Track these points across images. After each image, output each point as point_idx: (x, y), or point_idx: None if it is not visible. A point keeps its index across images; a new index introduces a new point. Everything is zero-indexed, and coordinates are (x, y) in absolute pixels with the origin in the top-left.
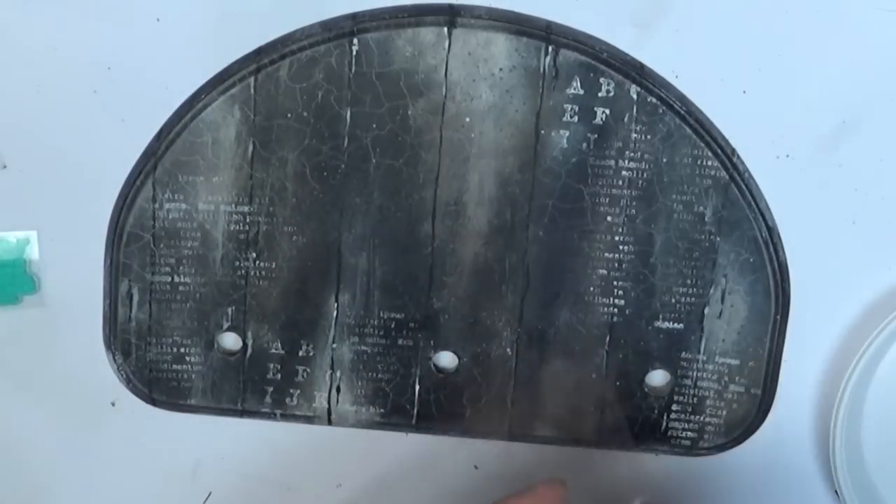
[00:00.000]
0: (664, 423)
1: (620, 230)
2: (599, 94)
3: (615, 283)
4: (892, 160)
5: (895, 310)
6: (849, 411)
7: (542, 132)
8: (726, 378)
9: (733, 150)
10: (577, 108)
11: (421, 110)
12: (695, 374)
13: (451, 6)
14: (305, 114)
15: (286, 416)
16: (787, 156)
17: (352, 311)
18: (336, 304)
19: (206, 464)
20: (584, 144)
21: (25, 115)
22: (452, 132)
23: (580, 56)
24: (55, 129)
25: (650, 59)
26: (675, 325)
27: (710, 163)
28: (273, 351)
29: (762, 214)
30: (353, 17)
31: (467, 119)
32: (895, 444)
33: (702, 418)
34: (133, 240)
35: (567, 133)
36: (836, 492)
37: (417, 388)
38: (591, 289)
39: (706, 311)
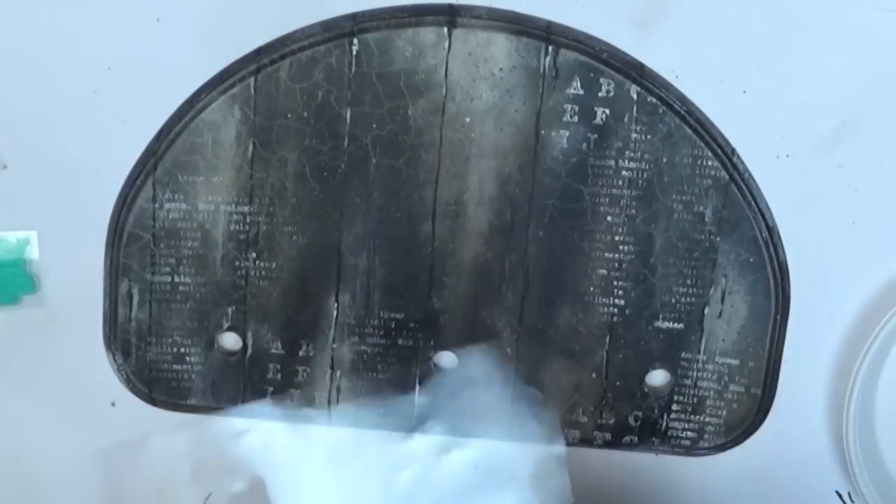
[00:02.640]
0: (664, 423)
1: (620, 230)
2: (599, 94)
3: (615, 283)
4: (892, 160)
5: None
6: (860, 406)
7: (542, 132)
8: (726, 378)
9: (733, 150)
10: (577, 108)
11: (421, 110)
12: (695, 373)
13: (451, 6)
14: (305, 114)
15: (286, 416)
16: (787, 156)
17: (352, 311)
18: (336, 304)
19: (206, 464)
20: (584, 144)
21: (25, 115)
22: (452, 132)
23: (580, 56)
24: (55, 129)
25: (650, 59)
26: (675, 324)
27: (710, 163)
28: (273, 351)
29: (762, 214)
30: (353, 17)
31: (467, 119)
32: None
33: (702, 418)
34: (133, 240)
35: (567, 133)
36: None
37: (417, 388)
38: (591, 289)
39: (706, 311)
